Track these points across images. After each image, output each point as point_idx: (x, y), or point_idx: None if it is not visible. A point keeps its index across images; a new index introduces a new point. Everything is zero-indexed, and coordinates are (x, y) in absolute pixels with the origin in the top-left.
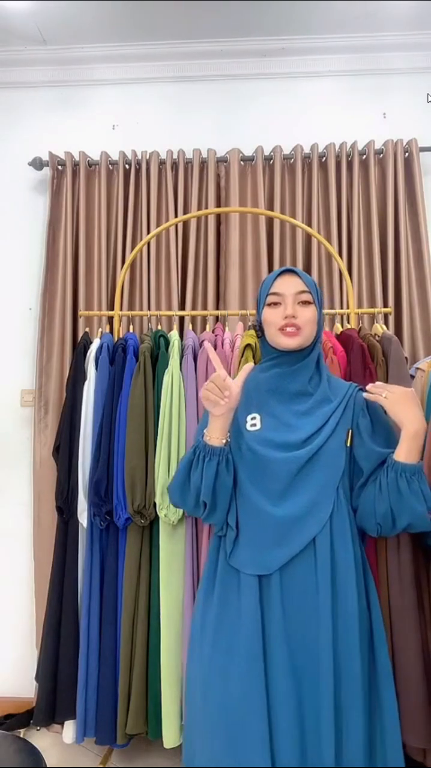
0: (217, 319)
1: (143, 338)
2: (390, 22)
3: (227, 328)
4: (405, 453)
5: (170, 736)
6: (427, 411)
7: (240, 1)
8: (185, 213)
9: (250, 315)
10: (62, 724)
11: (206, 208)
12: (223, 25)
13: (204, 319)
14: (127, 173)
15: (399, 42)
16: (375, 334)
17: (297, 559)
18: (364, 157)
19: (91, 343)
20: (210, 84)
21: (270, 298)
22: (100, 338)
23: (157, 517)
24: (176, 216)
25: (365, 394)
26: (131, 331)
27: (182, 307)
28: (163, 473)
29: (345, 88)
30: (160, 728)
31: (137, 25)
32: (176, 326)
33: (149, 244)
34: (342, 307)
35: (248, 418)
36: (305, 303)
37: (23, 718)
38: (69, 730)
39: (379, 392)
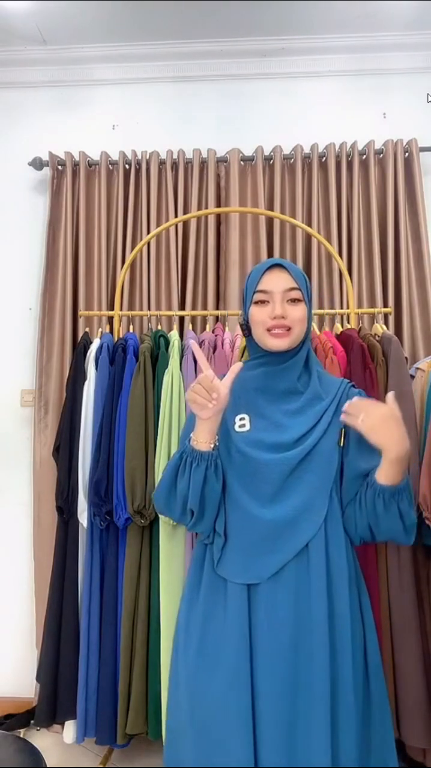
0: (217, 319)
1: (143, 338)
2: (390, 22)
3: (227, 328)
4: (385, 476)
5: None
6: (427, 411)
7: (240, 1)
8: (185, 213)
9: None
10: (62, 724)
11: (206, 208)
12: (223, 25)
13: (204, 319)
14: (127, 173)
15: (399, 42)
16: (375, 334)
17: (290, 565)
18: (364, 157)
19: (91, 343)
20: (210, 84)
21: (257, 296)
22: (100, 338)
23: (157, 517)
24: (176, 216)
25: (341, 417)
26: (131, 331)
27: (182, 307)
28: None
29: (345, 88)
30: (160, 728)
31: (137, 25)
32: (176, 326)
33: (149, 244)
34: (342, 307)
35: (237, 418)
36: (295, 301)
37: (23, 718)
38: (69, 730)
39: (356, 414)
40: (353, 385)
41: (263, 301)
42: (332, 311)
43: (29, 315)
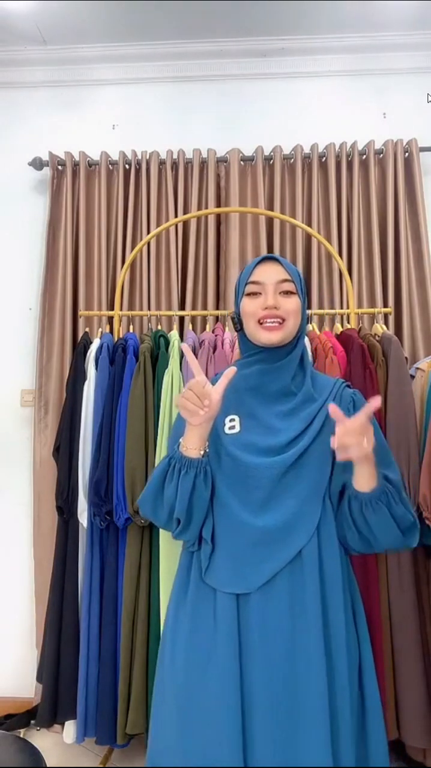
0: (217, 319)
1: (143, 338)
2: (390, 22)
3: (227, 328)
4: (361, 482)
5: None
6: (427, 411)
7: (240, 1)
8: (185, 213)
9: None
10: (62, 724)
11: (206, 208)
12: (223, 25)
13: (204, 319)
14: (127, 173)
15: (399, 42)
16: (375, 334)
17: (281, 574)
18: (364, 157)
19: (91, 343)
20: (210, 84)
21: (249, 288)
22: (100, 338)
23: None
24: (176, 216)
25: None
26: (131, 331)
27: (182, 307)
28: None
29: (345, 88)
30: None
31: (137, 25)
32: (176, 326)
33: (149, 244)
34: (342, 307)
35: (227, 420)
36: (288, 293)
37: (23, 718)
38: (69, 730)
39: (354, 438)
40: (347, 385)
41: (255, 293)
42: (332, 311)
43: (29, 315)
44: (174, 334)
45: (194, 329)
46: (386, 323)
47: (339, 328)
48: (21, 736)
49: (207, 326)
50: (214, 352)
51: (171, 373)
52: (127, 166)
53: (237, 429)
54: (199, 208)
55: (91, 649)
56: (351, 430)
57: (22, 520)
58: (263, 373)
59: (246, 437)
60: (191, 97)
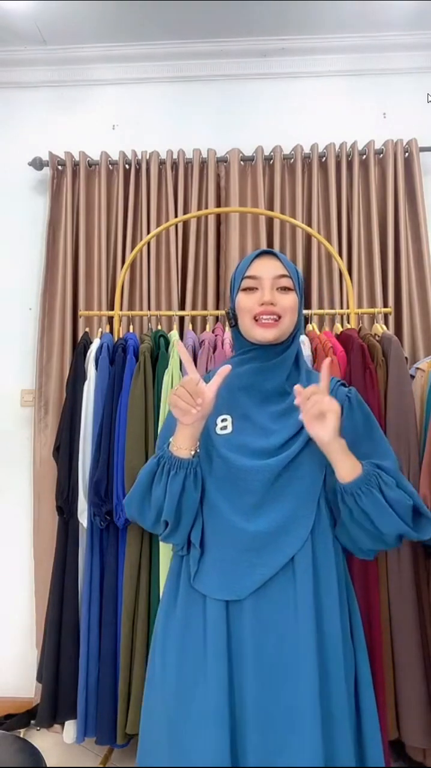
0: (217, 319)
1: (143, 338)
2: (390, 22)
3: (227, 328)
4: (341, 473)
5: None
6: (427, 411)
7: (240, 1)
8: (185, 213)
9: None
10: (62, 724)
11: (206, 208)
12: (223, 25)
13: (204, 319)
14: (127, 173)
15: (399, 42)
16: (375, 334)
17: (273, 581)
18: (364, 157)
19: (91, 343)
20: (210, 84)
21: (245, 282)
22: (100, 338)
23: None
24: (176, 216)
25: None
26: (131, 331)
27: (182, 307)
28: None
29: (345, 88)
30: None
31: (137, 25)
32: (176, 326)
33: (149, 244)
34: (342, 307)
35: (218, 420)
36: (285, 289)
37: (23, 718)
38: (69, 730)
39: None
40: (343, 384)
41: (251, 288)
42: (332, 311)
43: (29, 315)
44: (174, 334)
45: (194, 329)
46: (386, 323)
47: (339, 328)
48: (21, 736)
49: (207, 326)
50: (214, 352)
51: (171, 373)
52: (127, 166)
53: (229, 429)
54: (199, 208)
55: (91, 649)
56: (306, 393)
57: (22, 520)
58: (257, 371)
59: (238, 438)
60: (191, 97)
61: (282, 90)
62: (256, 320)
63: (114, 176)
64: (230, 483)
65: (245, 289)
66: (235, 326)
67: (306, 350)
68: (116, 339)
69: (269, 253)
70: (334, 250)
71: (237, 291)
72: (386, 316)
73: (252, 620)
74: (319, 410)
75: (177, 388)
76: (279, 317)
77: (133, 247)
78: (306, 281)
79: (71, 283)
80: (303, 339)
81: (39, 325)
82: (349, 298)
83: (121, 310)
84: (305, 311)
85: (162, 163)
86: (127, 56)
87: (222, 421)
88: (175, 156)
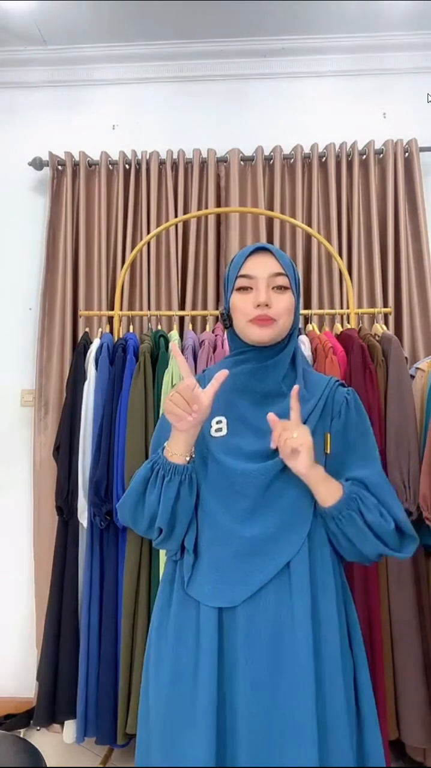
0: (217, 319)
1: (143, 338)
2: (390, 22)
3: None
4: (321, 498)
5: None
6: (427, 411)
7: (240, 0)
8: (185, 213)
9: None
10: (62, 724)
11: (206, 208)
12: (223, 25)
13: (204, 319)
14: (127, 173)
15: (399, 42)
16: (375, 334)
17: (269, 587)
18: (364, 157)
19: (91, 343)
20: (210, 84)
21: (240, 282)
22: (100, 338)
23: None
24: (176, 216)
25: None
26: (131, 331)
27: (182, 307)
28: None
29: (345, 88)
30: None
31: (137, 25)
32: (176, 326)
33: (149, 244)
34: (342, 307)
35: (213, 422)
36: (281, 288)
37: (23, 718)
38: (69, 730)
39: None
40: (342, 384)
41: (246, 288)
42: (332, 311)
43: (29, 315)
44: (174, 334)
45: (194, 329)
46: (386, 323)
47: (339, 328)
48: (21, 736)
49: (207, 326)
50: (214, 352)
51: (171, 373)
52: (127, 166)
53: (224, 432)
54: (199, 208)
55: (91, 649)
56: (284, 427)
57: (22, 520)
58: (253, 372)
59: (233, 441)
60: (191, 97)
61: (282, 90)
62: (251, 321)
63: (114, 176)
64: (224, 486)
65: (239, 289)
66: (230, 327)
67: (306, 350)
68: (116, 339)
69: (263, 249)
70: (334, 250)
71: (231, 290)
72: (386, 316)
73: (246, 627)
74: (288, 447)
75: (173, 395)
76: (275, 319)
77: (133, 247)
78: (306, 281)
79: (71, 283)
80: (303, 339)
81: (39, 325)
82: (349, 298)
83: (121, 310)
84: (305, 311)
85: (162, 163)
86: (127, 56)
87: (217, 423)
88: (175, 156)
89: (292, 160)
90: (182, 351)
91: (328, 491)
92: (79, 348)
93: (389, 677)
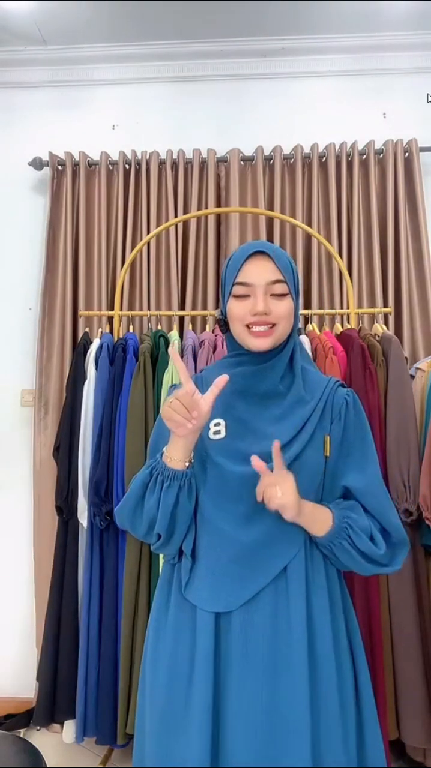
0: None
1: (143, 338)
2: (390, 22)
3: None
4: (315, 529)
5: None
6: (427, 411)
7: (240, 1)
8: (185, 213)
9: None
10: (62, 724)
11: (206, 208)
12: (223, 25)
13: (204, 319)
14: (127, 173)
15: (399, 42)
16: (375, 334)
17: (266, 591)
18: (364, 157)
19: (91, 343)
20: (210, 84)
21: (237, 289)
22: (100, 338)
23: None
24: (176, 216)
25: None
26: (131, 331)
27: (182, 307)
28: None
29: (345, 88)
30: None
31: (137, 25)
32: (176, 326)
33: (149, 244)
34: (342, 307)
35: (212, 424)
36: (280, 296)
37: (23, 718)
38: (69, 730)
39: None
40: (342, 384)
41: (243, 295)
42: (332, 311)
43: (29, 315)
44: (174, 334)
45: (194, 329)
46: (386, 323)
47: (339, 328)
48: (21, 736)
49: (207, 326)
50: (214, 352)
51: (171, 373)
52: (127, 166)
53: (222, 434)
54: (199, 208)
55: (91, 649)
56: (269, 482)
57: (22, 520)
58: (250, 374)
59: (232, 443)
60: (191, 97)
61: (282, 90)
62: (248, 328)
63: (114, 176)
64: (222, 490)
65: (236, 296)
66: (227, 332)
67: (306, 350)
68: (116, 339)
69: (261, 252)
70: (334, 250)
71: (228, 296)
72: (386, 316)
73: (243, 631)
74: (272, 504)
75: (172, 401)
76: (273, 325)
77: (133, 247)
78: (306, 281)
79: (71, 283)
80: (303, 339)
81: (39, 325)
82: (349, 298)
83: (121, 310)
84: (305, 311)
85: (162, 163)
86: (127, 56)
87: (215, 425)
88: (175, 156)
89: (292, 160)
90: (182, 351)
91: (318, 525)
92: (79, 348)
93: (389, 677)
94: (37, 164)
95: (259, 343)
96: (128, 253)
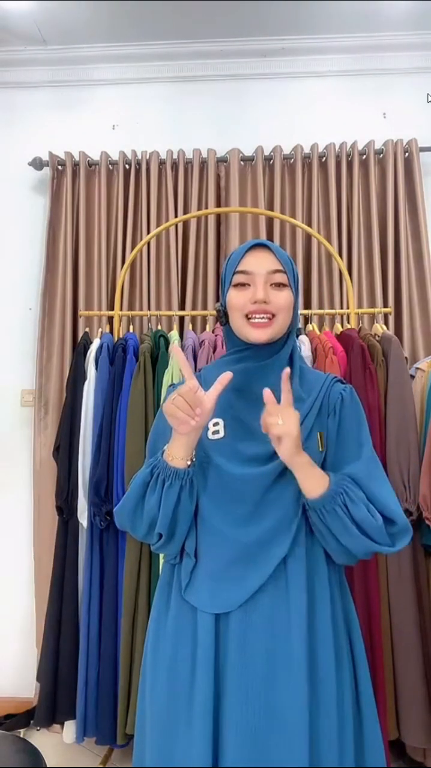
0: (217, 319)
1: (143, 338)
2: (390, 22)
3: None
4: (306, 488)
5: None
6: (427, 411)
7: (240, 1)
8: (185, 213)
9: None
10: (62, 724)
11: (206, 208)
12: (223, 25)
13: (204, 319)
14: (127, 173)
15: (399, 42)
16: (375, 334)
17: (264, 589)
18: (364, 157)
19: (91, 343)
20: (210, 84)
21: (237, 278)
22: (100, 338)
23: None
24: (176, 216)
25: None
26: (131, 331)
27: (182, 307)
28: None
29: (344, 88)
30: None
31: (137, 25)
32: (176, 326)
33: (149, 244)
34: (342, 307)
35: (210, 423)
36: (279, 285)
37: (23, 718)
38: (69, 730)
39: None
40: (339, 380)
41: (243, 284)
42: (332, 311)
43: (29, 315)
44: (174, 334)
45: (194, 329)
46: (386, 323)
47: (339, 328)
48: (21, 736)
49: (207, 326)
50: (214, 352)
51: (171, 373)
52: (127, 166)
53: (221, 434)
54: (199, 208)
55: (91, 649)
56: (271, 411)
57: (22, 520)
58: (249, 372)
59: (231, 444)
60: (191, 97)
61: (282, 90)
62: (248, 318)
63: (114, 176)
64: (222, 491)
65: (236, 285)
66: (226, 324)
67: (306, 350)
68: (116, 339)
69: (262, 245)
70: (334, 250)
71: (229, 287)
72: (386, 316)
73: (243, 629)
74: (274, 435)
75: (175, 397)
76: (273, 316)
77: (133, 247)
78: (306, 281)
79: (71, 283)
80: (303, 339)
81: (39, 325)
82: (349, 298)
83: (121, 310)
84: (305, 311)
85: (162, 163)
86: (127, 56)
87: (214, 425)
88: (175, 156)
89: (292, 160)
90: (182, 351)
91: (313, 482)
92: (79, 348)
93: (389, 678)
94: (37, 164)
95: (258, 334)
96: (128, 253)
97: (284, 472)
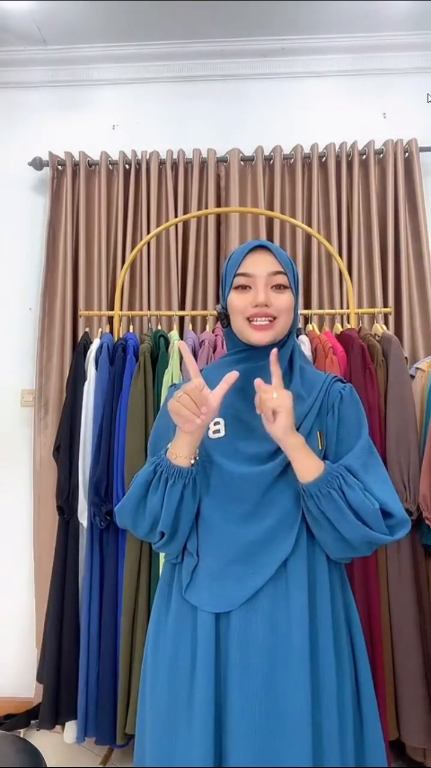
0: (217, 319)
1: (143, 338)
2: (390, 22)
3: None
4: (301, 471)
5: None
6: (427, 411)
7: (241, 1)
8: (185, 213)
9: None
10: (63, 724)
11: (206, 208)
12: (223, 25)
13: (204, 319)
14: (127, 173)
15: (399, 42)
16: (375, 334)
17: (265, 589)
18: (364, 157)
19: (91, 343)
20: (210, 84)
21: (238, 280)
22: (100, 338)
23: None
24: (176, 216)
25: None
26: (131, 331)
27: (182, 307)
28: None
29: (345, 88)
30: None
31: (137, 25)
32: (176, 326)
33: (149, 244)
34: (342, 307)
35: (211, 423)
36: (280, 287)
37: (23, 718)
38: (69, 730)
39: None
40: (339, 379)
41: (244, 287)
42: (332, 311)
43: (29, 315)
44: (174, 334)
45: (194, 329)
46: (386, 323)
47: (339, 328)
48: (21, 736)
49: (207, 326)
50: (214, 351)
51: (171, 373)
52: (127, 166)
53: (222, 433)
54: (199, 208)
55: (91, 649)
56: (264, 389)
57: (22, 520)
58: (249, 373)
59: (232, 443)
60: (191, 97)
61: (282, 90)
62: (249, 321)
63: (114, 176)
64: (223, 490)
65: (237, 288)
66: (227, 326)
67: (306, 350)
68: (116, 339)
69: (262, 246)
70: (334, 250)
71: (229, 289)
72: (386, 316)
73: (244, 629)
74: (268, 408)
75: (180, 395)
76: (274, 318)
77: (133, 247)
78: (306, 281)
79: (71, 283)
80: (303, 339)
81: (39, 325)
82: (349, 298)
83: (121, 310)
84: (305, 311)
85: (162, 163)
86: (127, 56)
87: (215, 424)
88: (175, 156)
89: (292, 160)
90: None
91: (308, 465)
92: (79, 348)
93: (389, 677)
94: (37, 164)
95: (260, 337)
96: (128, 253)
97: (285, 472)
